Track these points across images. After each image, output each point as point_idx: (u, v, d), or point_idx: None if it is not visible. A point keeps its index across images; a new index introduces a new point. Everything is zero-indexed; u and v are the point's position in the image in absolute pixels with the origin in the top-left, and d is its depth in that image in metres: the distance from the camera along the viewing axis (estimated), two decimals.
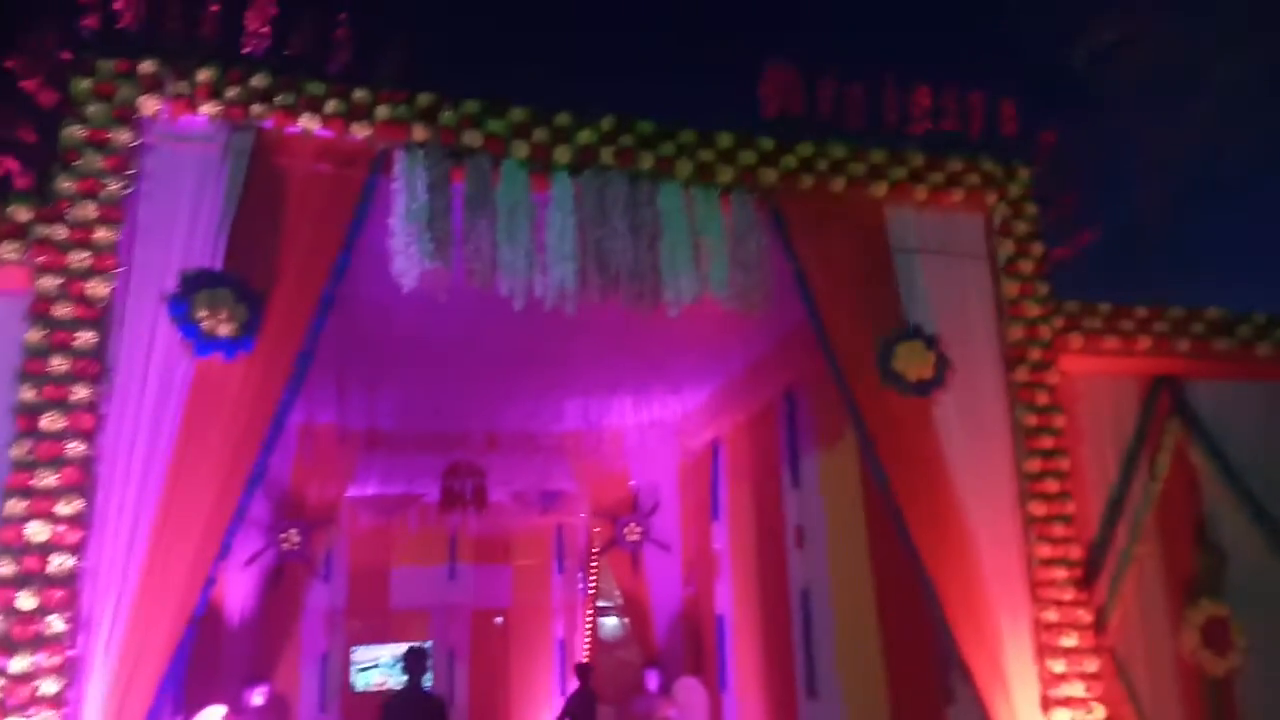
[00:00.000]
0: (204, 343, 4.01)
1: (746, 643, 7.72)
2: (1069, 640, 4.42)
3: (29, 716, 3.54)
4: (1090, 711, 4.35)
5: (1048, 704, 4.37)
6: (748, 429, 7.73)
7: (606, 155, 4.53)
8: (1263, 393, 5.32)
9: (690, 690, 8.07)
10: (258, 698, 7.22)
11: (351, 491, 8.80)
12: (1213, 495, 5.08)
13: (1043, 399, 4.67)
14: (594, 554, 9.55)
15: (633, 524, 8.67)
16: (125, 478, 3.94)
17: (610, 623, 11.12)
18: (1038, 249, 4.97)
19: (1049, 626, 4.44)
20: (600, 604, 10.65)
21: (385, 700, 7.49)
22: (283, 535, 7.76)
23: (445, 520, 9.61)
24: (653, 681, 8.09)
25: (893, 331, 4.69)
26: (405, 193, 4.28)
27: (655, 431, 8.34)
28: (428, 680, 7.41)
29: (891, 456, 4.71)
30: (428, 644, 8.04)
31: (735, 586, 7.97)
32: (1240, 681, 4.83)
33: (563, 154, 4.48)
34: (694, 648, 8.55)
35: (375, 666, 10.92)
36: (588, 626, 9.63)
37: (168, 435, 4.02)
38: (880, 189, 4.89)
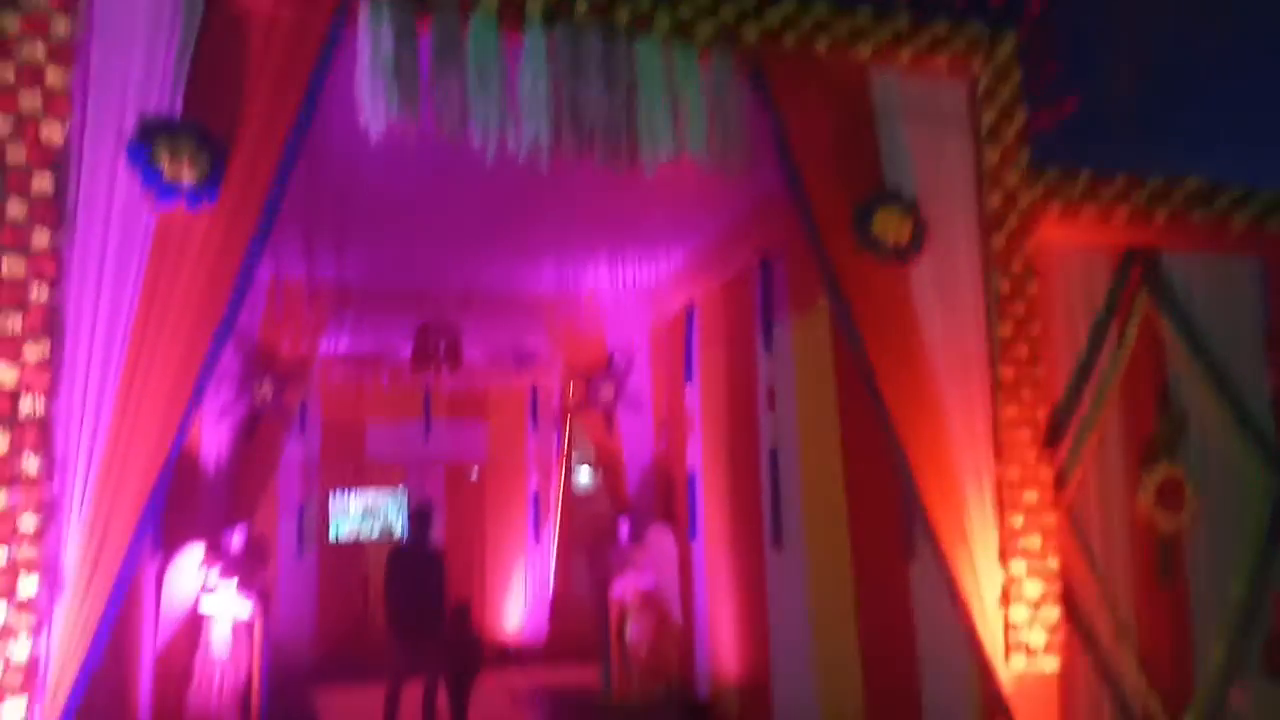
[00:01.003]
0: (165, 190, 3.92)
1: (716, 497, 7.94)
2: (1030, 496, 4.56)
3: (9, 547, 3.63)
4: (1046, 562, 4.52)
5: (1006, 555, 4.54)
6: (722, 294, 7.74)
7: (581, 8, 4.36)
8: (1232, 266, 5.35)
9: (661, 538, 8.33)
10: (236, 539, 7.37)
11: (324, 347, 8.79)
12: (1177, 363, 5.16)
13: (1018, 266, 4.68)
14: (568, 412, 9.66)
15: (606, 384, 8.76)
16: (92, 325, 3.92)
17: (584, 478, 11.37)
18: (1020, 116, 4.88)
19: (1011, 484, 4.57)
20: (574, 459, 10.88)
21: (391, 551, 7.84)
22: (255, 388, 7.79)
23: (419, 377, 9.67)
24: (624, 531, 8.35)
25: (871, 195, 4.65)
26: (370, 42, 4.13)
27: (630, 295, 8.34)
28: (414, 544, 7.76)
29: (866, 320, 4.72)
30: (429, 502, 8.26)
31: (706, 445, 8.15)
32: (1189, 539, 5.04)
33: (535, 6, 4.31)
34: (665, 501, 8.80)
35: (351, 517, 11.17)
36: (561, 480, 9.84)
37: (133, 285, 3.99)
38: (864, 51, 4.76)
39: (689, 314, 8.25)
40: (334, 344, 9.00)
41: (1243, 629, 4.94)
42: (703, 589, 8.18)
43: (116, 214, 3.97)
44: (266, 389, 7.87)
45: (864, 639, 6.08)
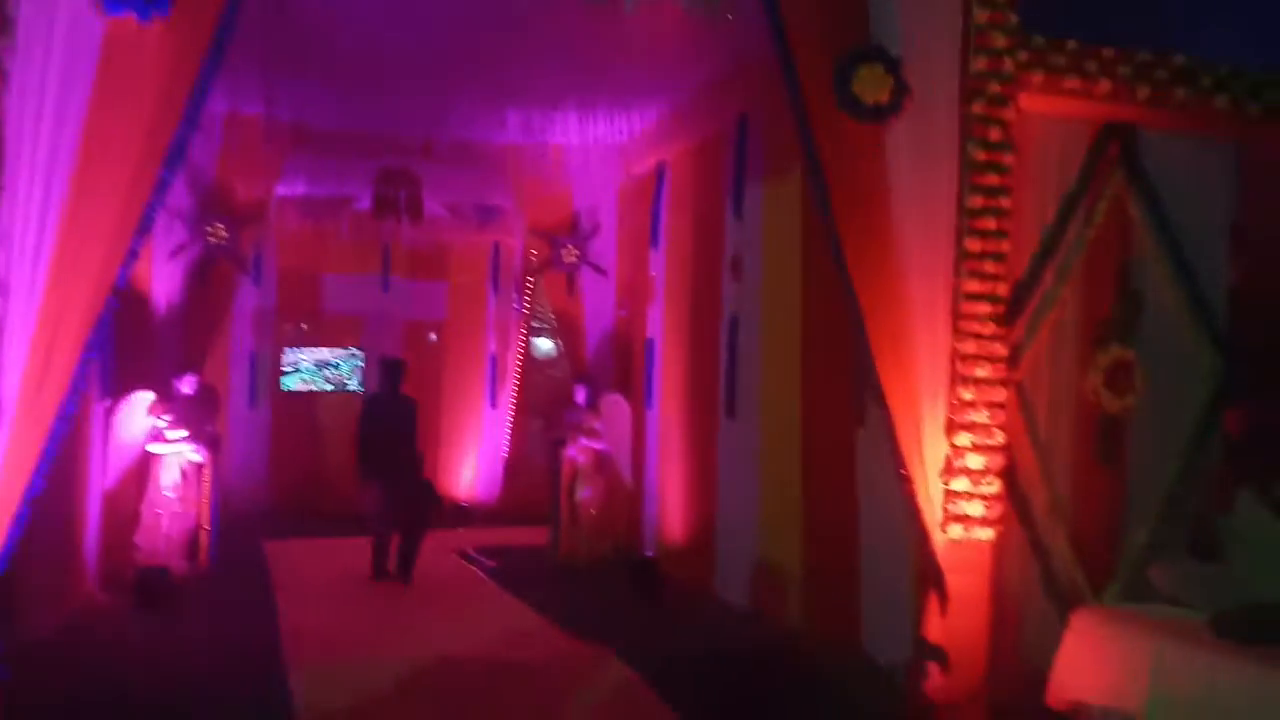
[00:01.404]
0: None
1: (673, 365, 7.97)
2: (982, 371, 4.58)
3: None
4: (991, 437, 4.59)
5: (952, 428, 4.59)
6: (695, 155, 7.59)
7: None
8: (1208, 151, 5.30)
9: (615, 405, 8.39)
10: (186, 387, 7.31)
11: (280, 189, 8.55)
12: (1141, 246, 5.17)
13: (995, 135, 4.58)
14: (530, 273, 9.55)
15: (570, 246, 8.65)
16: (35, 140, 3.78)
17: (544, 343, 11.35)
18: None
19: (965, 357, 4.58)
20: (534, 324, 10.83)
21: (366, 399, 7.90)
22: (209, 229, 7.60)
23: (378, 229, 9.49)
24: (580, 395, 8.38)
25: (854, 51, 4.51)
26: None
27: (599, 152, 8.15)
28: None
29: (838, 182, 4.65)
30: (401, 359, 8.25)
31: (667, 312, 8.13)
32: (1132, 421, 5.14)
33: None
34: (623, 368, 8.82)
35: (303, 370, 11.09)
36: (521, 344, 9.81)
37: (79, 100, 3.83)
38: None
39: (659, 175, 8.11)
40: (291, 187, 8.76)
41: (1172, 511, 5.08)
42: (654, 455, 8.29)
43: (63, 22, 3.78)
44: (220, 230, 7.70)
45: (808, 503, 6.23)
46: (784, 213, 6.31)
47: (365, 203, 8.78)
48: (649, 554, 7.97)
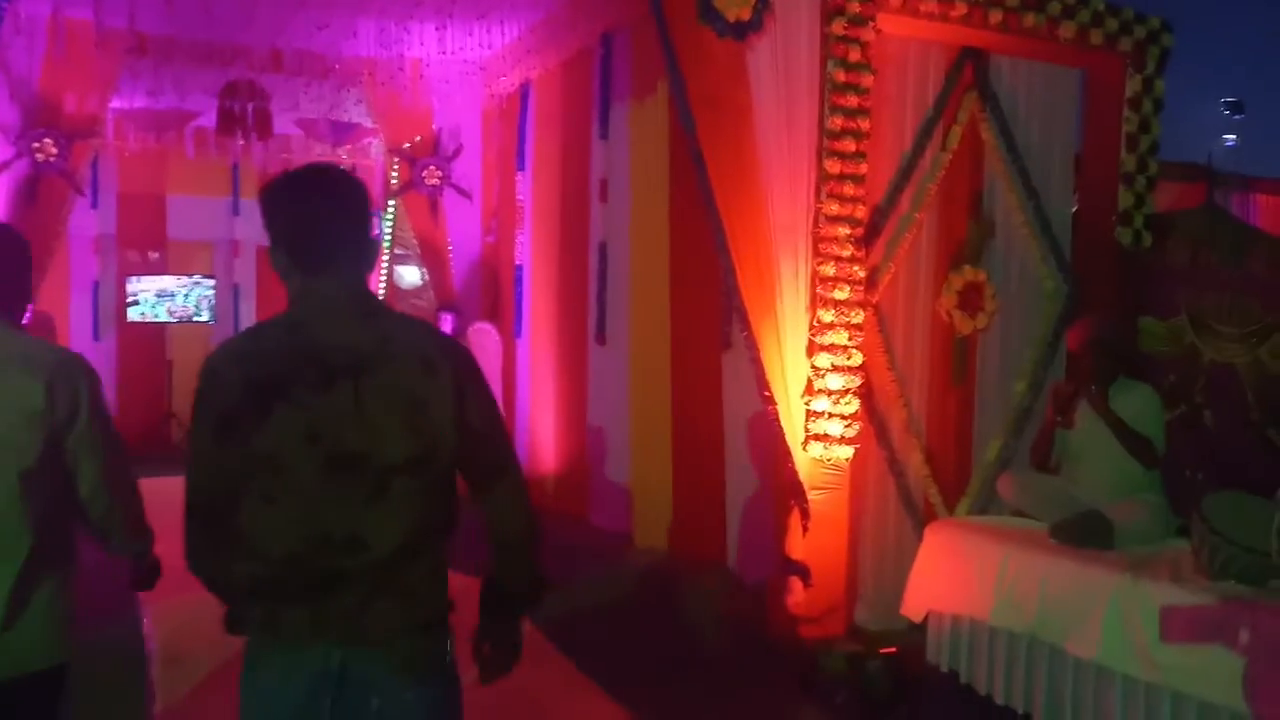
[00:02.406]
0: None
1: (542, 292, 7.85)
2: (841, 293, 4.64)
3: None
4: (849, 357, 4.67)
5: (813, 349, 4.65)
6: (560, 74, 7.38)
7: None
8: (1056, 78, 5.46)
9: (484, 334, 8.23)
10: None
11: (116, 103, 7.93)
12: (992, 171, 5.31)
13: (855, 55, 4.58)
14: (390, 196, 9.20)
15: (432, 167, 8.34)
16: None
17: (408, 272, 11.01)
18: None
19: (824, 279, 4.62)
20: (398, 251, 10.47)
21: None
22: (36, 144, 7.00)
23: (226, 148, 8.95)
24: (447, 325, 8.18)
25: None
26: None
27: (460, 69, 7.82)
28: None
29: (701, 101, 4.59)
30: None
31: (535, 237, 7.97)
32: (982, 339, 5.33)
33: None
34: (491, 295, 8.64)
35: (142, 301, 10.46)
36: (383, 270, 9.49)
37: None
38: None
39: (524, 95, 7.87)
40: (129, 101, 8.14)
41: (1018, 426, 5.32)
42: (525, 385, 8.19)
43: None
44: (49, 146, 7.11)
45: (677, 427, 6.27)
46: (650, 134, 6.22)
47: (210, 119, 8.24)
48: None
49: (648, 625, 5.09)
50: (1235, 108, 25.66)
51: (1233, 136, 25.15)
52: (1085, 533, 4.02)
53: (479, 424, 1.83)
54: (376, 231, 9.89)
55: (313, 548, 1.70)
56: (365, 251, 1.85)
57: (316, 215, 1.78)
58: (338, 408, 1.70)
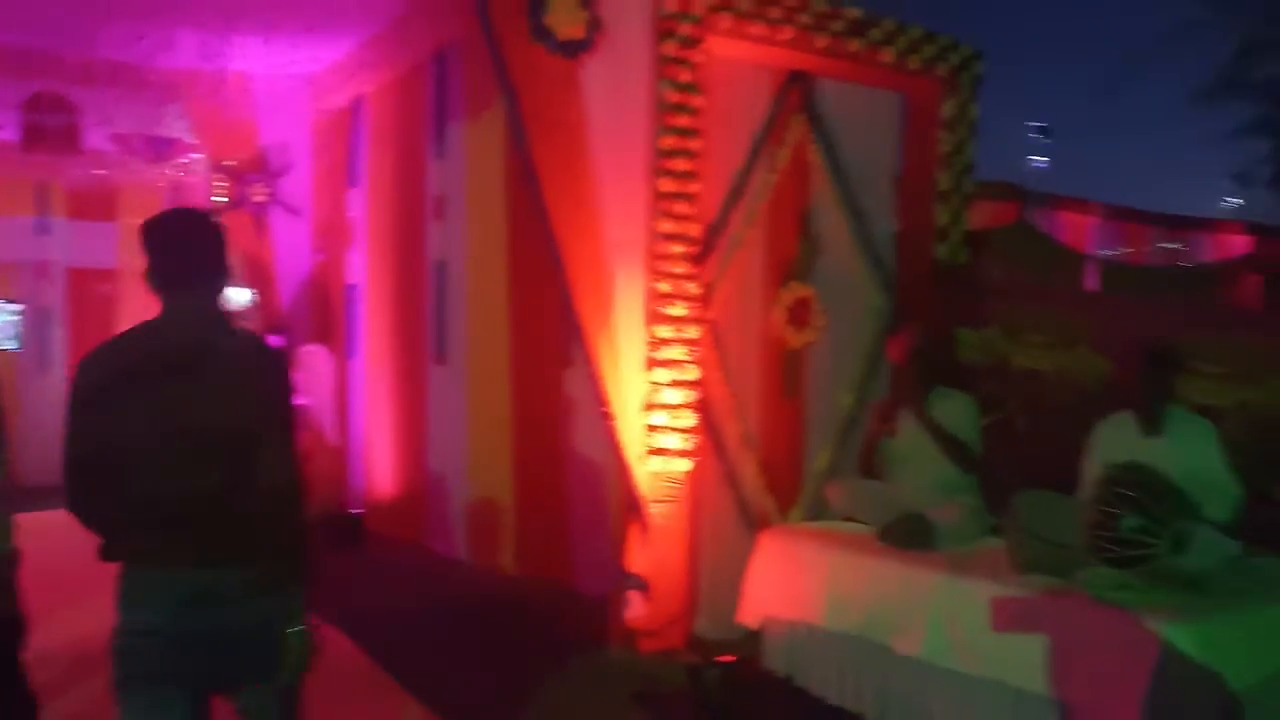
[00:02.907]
0: None
1: (378, 312, 7.66)
2: (676, 310, 4.72)
3: None
4: (686, 372, 4.75)
5: (651, 364, 4.71)
6: (394, 90, 7.24)
7: None
8: (878, 101, 5.73)
9: (315, 357, 7.94)
10: None
11: None
12: (819, 190, 5.52)
13: (686, 76, 4.68)
14: (214, 214, 8.77)
15: (259, 184, 8.01)
16: None
17: (237, 293, 10.53)
18: None
19: (660, 296, 4.70)
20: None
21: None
22: None
23: (31, 164, 8.35)
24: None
25: None
26: None
27: (288, 83, 7.56)
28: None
29: (535, 119, 4.58)
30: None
31: (370, 256, 7.77)
32: (812, 352, 5.51)
33: None
34: (322, 316, 8.34)
35: None
36: None
37: None
38: None
39: (356, 110, 7.68)
40: None
41: (846, 435, 5.52)
42: (360, 408, 7.96)
43: None
44: None
45: (517, 447, 6.21)
46: (487, 151, 6.17)
47: (12, 134, 7.66)
48: (355, 512, 7.67)
49: (487, 649, 5.01)
50: (1044, 132, 27.63)
51: (1042, 158, 27.03)
52: (909, 535, 4.21)
53: (281, 416, 2.38)
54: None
55: (162, 495, 2.21)
56: (220, 277, 2.39)
57: (187, 247, 2.34)
58: (180, 393, 2.23)
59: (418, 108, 6.91)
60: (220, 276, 2.37)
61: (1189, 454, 3.89)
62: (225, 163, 8.04)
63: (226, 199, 8.20)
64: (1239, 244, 15.37)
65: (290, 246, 8.17)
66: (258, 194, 7.88)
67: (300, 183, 8.12)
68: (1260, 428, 4.58)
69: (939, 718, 3.85)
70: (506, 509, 6.29)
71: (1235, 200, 25.22)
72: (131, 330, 2.33)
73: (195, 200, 9.59)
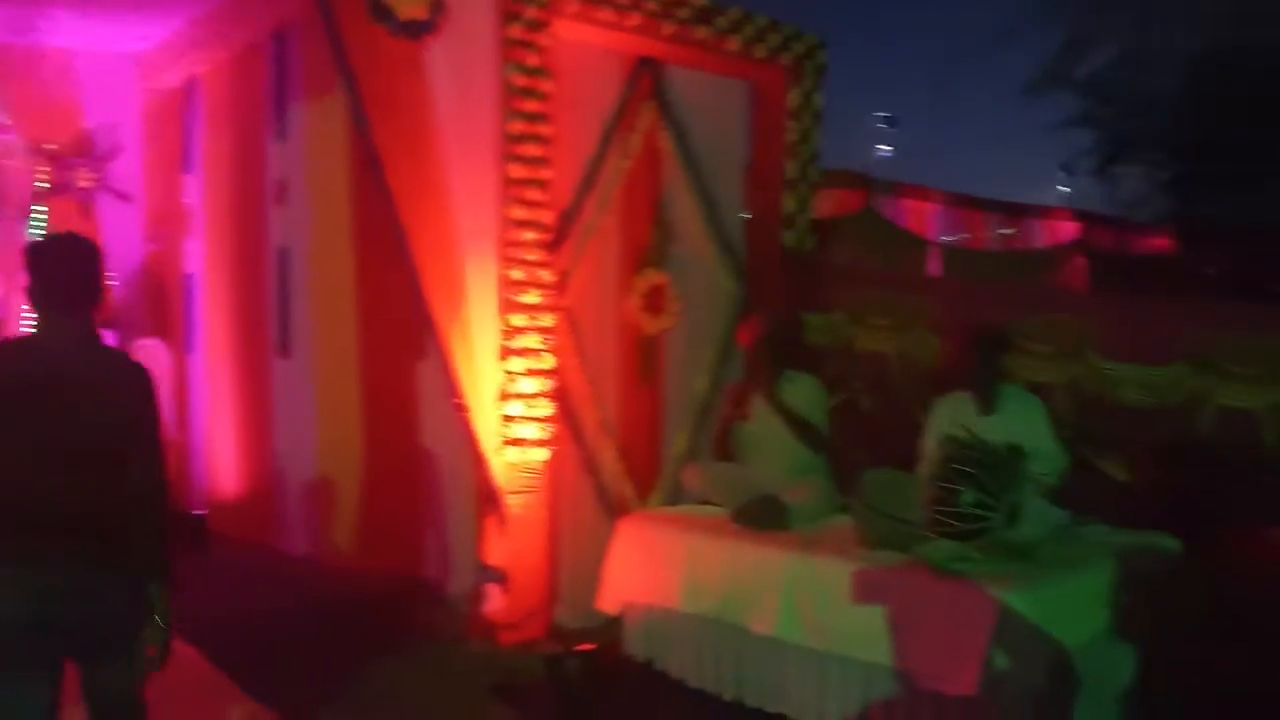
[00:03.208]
0: None
1: (218, 303, 7.29)
2: (530, 298, 4.66)
3: None
4: (541, 360, 4.70)
5: (505, 354, 4.64)
6: (230, 70, 6.88)
7: None
8: (727, 89, 5.80)
9: (151, 351, 7.49)
10: None
11: None
12: (671, 177, 5.55)
13: (533, 60, 4.61)
14: (34, 201, 8.15)
15: (84, 169, 7.49)
16: None
17: None
18: None
19: (513, 284, 4.63)
20: None
21: None
22: None
23: None
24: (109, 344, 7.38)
25: None
26: None
27: (114, 61, 7.09)
28: None
29: (377, 103, 4.43)
30: None
31: (208, 245, 7.39)
32: (667, 338, 5.56)
33: None
34: (157, 309, 7.88)
35: None
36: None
37: None
38: None
39: (190, 91, 7.26)
40: None
41: (702, 420, 5.59)
42: (201, 404, 7.57)
43: None
44: None
45: (369, 443, 6.04)
46: (329, 134, 5.93)
47: None
48: (198, 512, 7.30)
49: (338, 649, 4.84)
50: (889, 121, 28.66)
51: (887, 147, 28.04)
52: (762, 516, 4.29)
53: (146, 428, 2.62)
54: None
55: (29, 502, 2.42)
56: (95, 298, 2.62)
57: (68, 272, 2.56)
58: (50, 409, 2.45)
59: (255, 89, 6.59)
60: (95, 298, 2.62)
61: (1020, 429, 4.09)
62: (45, 146, 7.49)
63: (48, 184, 7.65)
64: (1068, 230, 16.35)
65: (121, 235, 7.66)
66: (83, 179, 7.37)
67: (131, 167, 7.63)
68: (1085, 403, 4.87)
69: (794, 695, 3.94)
70: (357, 506, 6.10)
71: (1065, 188, 26.80)
72: (8, 344, 2.73)
73: (10, 184, 8.92)
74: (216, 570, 6.30)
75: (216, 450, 7.34)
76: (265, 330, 6.73)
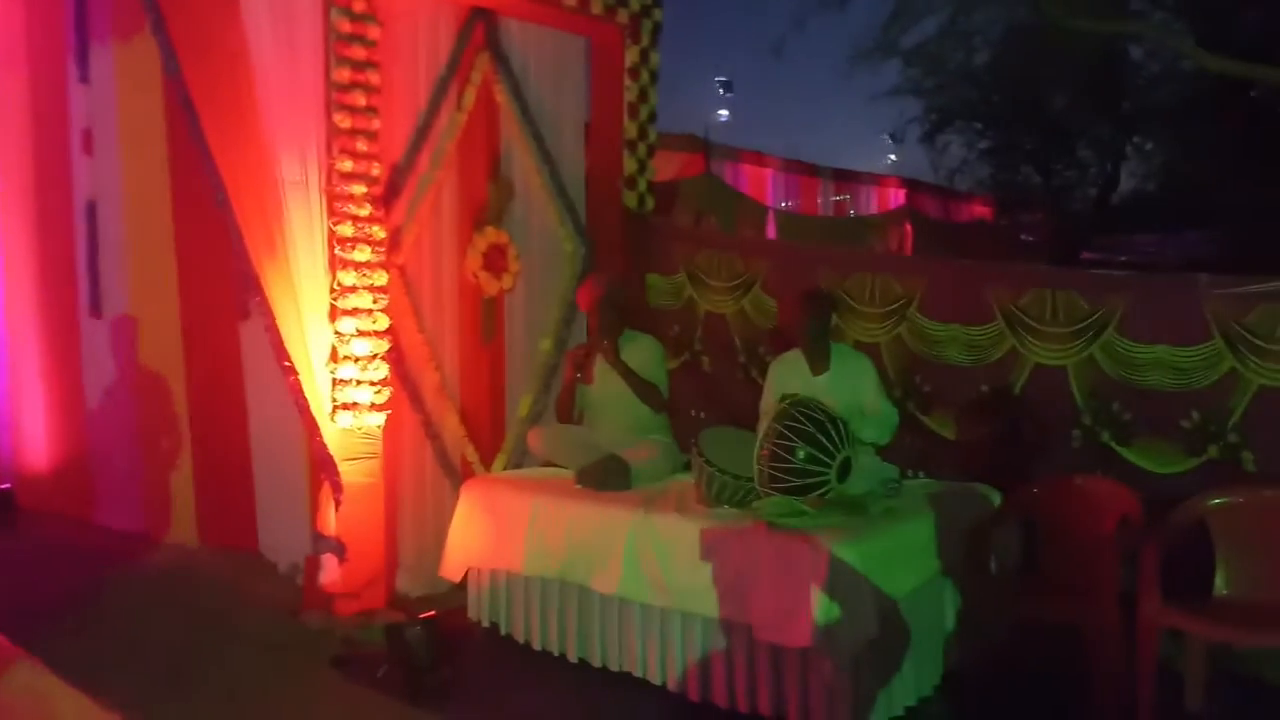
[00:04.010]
0: None
1: (17, 260, 6.68)
2: (361, 255, 4.45)
3: None
4: (375, 321, 4.51)
5: (335, 314, 4.43)
6: (22, 6, 6.27)
7: None
8: (563, 41, 5.68)
9: None
10: None
11: None
12: (509, 133, 5.42)
13: (359, 6, 4.36)
14: None
15: None
16: None
17: None
18: None
19: (343, 240, 4.41)
20: None
21: None
22: None
23: None
24: None
25: None
26: None
27: None
28: None
29: (188, 47, 4.12)
30: None
31: (6, 199, 6.75)
32: (508, 299, 5.45)
33: None
34: None
35: None
36: None
37: None
38: None
39: None
40: None
41: (546, 381, 5.53)
42: (2, 371, 6.96)
43: None
44: None
45: (193, 409, 5.70)
46: (141, 78, 5.49)
47: None
48: (2, 486, 6.75)
49: (168, 628, 4.58)
50: (727, 86, 29.11)
51: (725, 112, 28.48)
52: (605, 475, 4.29)
53: None
54: None
55: None
56: None
57: None
58: None
59: (54, 27, 6.03)
60: None
61: (851, 387, 4.23)
62: None
63: None
64: (896, 196, 17.04)
65: None
66: None
67: None
68: (911, 362, 5.08)
69: (638, 653, 3.97)
70: (184, 476, 5.76)
71: (893, 156, 27.94)
72: None
73: None
74: (27, 548, 5.86)
75: (22, 420, 6.78)
76: (73, 288, 6.23)
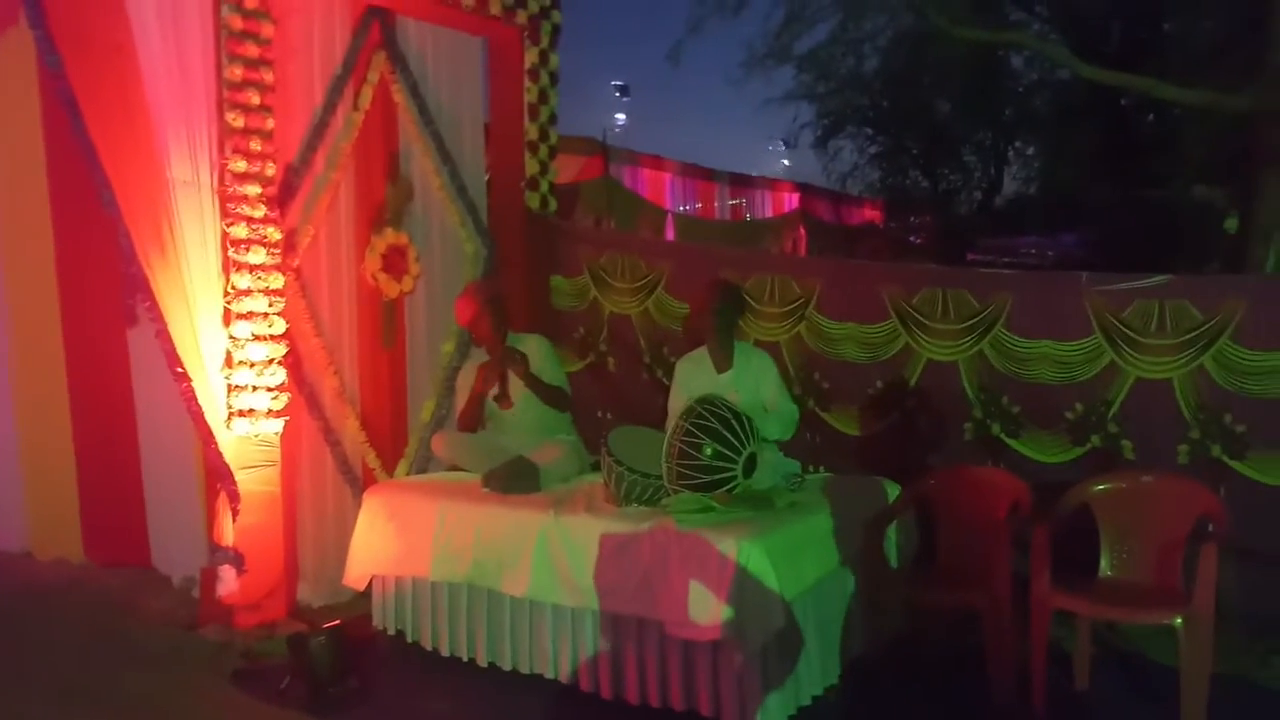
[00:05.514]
0: None
1: None
2: (256, 257, 4.33)
3: None
4: (271, 325, 4.39)
5: (229, 318, 4.30)
6: None
7: None
8: (461, 42, 5.64)
9: None
10: None
11: None
12: (407, 133, 5.34)
13: (251, 2, 4.26)
14: None
15: None
16: None
17: None
18: None
19: (236, 242, 4.28)
20: None
21: None
22: None
23: None
24: None
25: None
26: None
27: None
28: None
29: (69, 41, 3.95)
30: None
31: None
32: (409, 302, 5.37)
33: None
34: None
35: None
36: None
37: None
38: None
39: None
40: None
41: (449, 385, 5.45)
42: None
43: None
44: None
45: (77, 421, 5.46)
46: (15, 73, 5.21)
47: None
48: None
49: (57, 648, 4.37)
50: (624, 90, 29.28)
51: (622, 116, 28.64)
52: (513, 478, 4.26)
53: None
54: None
55: None
56: None
57: None
58: None
59: None
60: None
61: (753, 384, 4.30)
62: None
63: None
64: (791, 200, 17.40)
65: None
66: None
67: None
68: (810, 359, 5.19)
69: (549, 653, 3.96)
70: (70, 491, 5.50)
71: (786, 161, 28.52)
72: None
73: None
74: None
75: None
76: None
